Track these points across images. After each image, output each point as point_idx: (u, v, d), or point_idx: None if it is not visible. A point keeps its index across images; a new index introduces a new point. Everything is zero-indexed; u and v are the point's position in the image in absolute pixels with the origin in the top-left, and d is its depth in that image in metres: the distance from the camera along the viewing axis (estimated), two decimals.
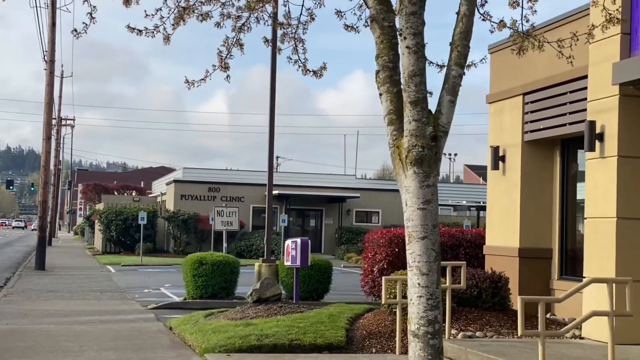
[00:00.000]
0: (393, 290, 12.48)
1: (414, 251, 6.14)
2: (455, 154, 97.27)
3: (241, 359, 10.77)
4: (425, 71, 6.15)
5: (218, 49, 8.09)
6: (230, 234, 37.06)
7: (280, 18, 8.01)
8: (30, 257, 38.96)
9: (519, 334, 8.27)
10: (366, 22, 7.66)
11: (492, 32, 7.17)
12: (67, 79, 76.58)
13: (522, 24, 7.36)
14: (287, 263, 15.78)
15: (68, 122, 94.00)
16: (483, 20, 7.44)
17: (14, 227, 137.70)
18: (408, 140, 6.18)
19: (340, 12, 7.85)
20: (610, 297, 8.71)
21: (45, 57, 35.21)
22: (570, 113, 13.74)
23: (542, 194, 14.92)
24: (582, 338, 11.97)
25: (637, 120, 11.74)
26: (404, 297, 12.26)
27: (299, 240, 15.32)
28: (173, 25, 7.42)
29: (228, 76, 8.35)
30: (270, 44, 7.98)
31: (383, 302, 12.01)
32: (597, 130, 12.06)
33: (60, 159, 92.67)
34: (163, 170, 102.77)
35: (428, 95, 6.44)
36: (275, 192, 45.57)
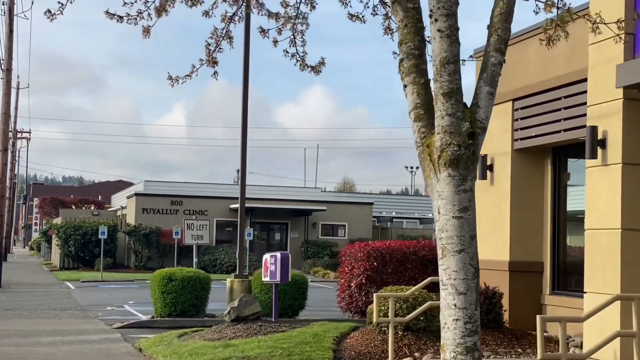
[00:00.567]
0: (383, 307, 11.68)
1: (448, 267, 5.29)
2: (417, 167, 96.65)
3: None
4: (459, 58, 5.35)
5: (206, 41, 7.28)
6: (192, 248, 36.05)
7: (279, 8, 7.17)
8: None
9: (538, 358, 7.49)
10: (374, 10, 6.86)
11: (536, 13, 6.37)
12: (22, 90, 74.71)
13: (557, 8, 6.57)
14: (266, 279, 14.84)
15: (24, 134, 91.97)
16: None
17: None
18: (441, 138, 5.36)
19: None
20: (638, 316, 7.96)
21: (2, 66, 33.95)
22: (566, 119, 13.08)
23: (533, 205, 14.25)
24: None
25: None
26: (397, 315, 11.47)
27: (278, 254, 14.38)
28: (157, 9, 6.55)
29: (216, 72, 7.54)
30: (267, 36, 7.12)
31: (375, 320, 11.19)
32: (599, 136, 11.38)
33: (16, 172, 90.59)
34: (121, 184, 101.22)
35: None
36: (239, 205, 44.59)
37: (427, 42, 5.59)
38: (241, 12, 7.32)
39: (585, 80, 12.16)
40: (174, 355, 11.58)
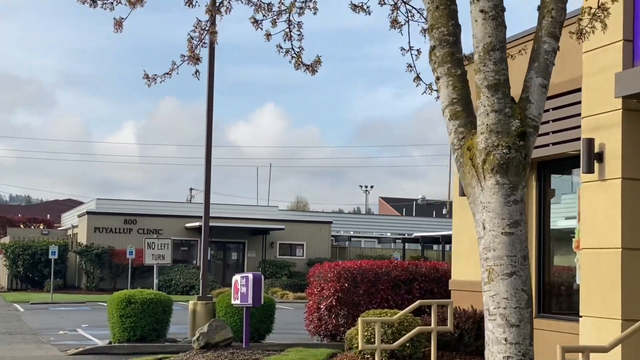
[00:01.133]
0: (366, 333, 10.82)
1: (497, 293, 4.47)
2: (372, 186, 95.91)
3: None
4: (505, 44, 4.56)
5: (189, 34, 6.42)
6: (147, 268, 34.87)
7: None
8: None
9: None
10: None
11: None
12: None
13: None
14: (236, 301, 13.86)
15: None
16: None
17: None
18: (486, 139, 4.54)
19: None
20: None
21: None
22: (554, 132, 12.42)
23: None
24: None
25: None
26: (383, 341, 10.63)
27: (250, 275, 13.42)
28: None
29: (197, 72, 6.69)
30: (261, 27, 6.25)
31: (360, 347, 10.33)
32: (596, 150, 10.70)
33: None
34: (71, 203, 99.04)
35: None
36: (194, 223, 43.42)
37: (461, 29, 4.79)
38: (229, 3, 6.47)
39: (575, 90, 11.53)
40: None
